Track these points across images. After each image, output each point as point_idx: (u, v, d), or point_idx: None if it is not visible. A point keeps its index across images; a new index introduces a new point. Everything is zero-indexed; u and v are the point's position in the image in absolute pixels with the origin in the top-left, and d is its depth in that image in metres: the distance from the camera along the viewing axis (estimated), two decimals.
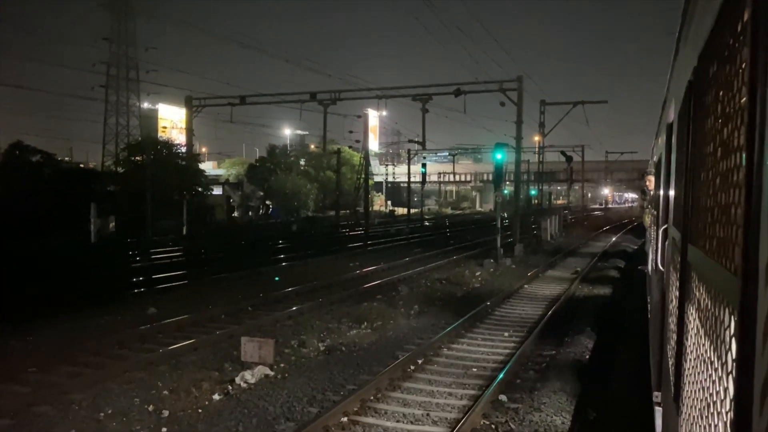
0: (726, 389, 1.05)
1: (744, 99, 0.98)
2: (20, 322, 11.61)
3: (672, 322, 2.54)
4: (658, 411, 4.19)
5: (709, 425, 1.23)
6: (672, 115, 3.60)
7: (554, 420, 7.39)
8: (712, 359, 1.26)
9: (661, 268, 4.19)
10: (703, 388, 1.35)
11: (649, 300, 8.91)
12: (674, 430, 1.94)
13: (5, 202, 30.71)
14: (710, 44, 1.43)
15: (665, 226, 4.18)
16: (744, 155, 0.93)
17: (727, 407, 1.03)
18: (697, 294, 1.60)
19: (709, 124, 1.51)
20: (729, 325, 1.07)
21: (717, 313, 1.23)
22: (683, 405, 1.76)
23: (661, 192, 4.80)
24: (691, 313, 1.72)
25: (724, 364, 1.08)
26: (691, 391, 1.58)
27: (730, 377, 1.02)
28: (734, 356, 0.98)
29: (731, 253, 1.08)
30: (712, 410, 1.22)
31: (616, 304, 15.44)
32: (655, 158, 7.31)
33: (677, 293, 2.22)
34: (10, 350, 10.07)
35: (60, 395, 7.88)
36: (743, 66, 0.99)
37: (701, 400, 1.39)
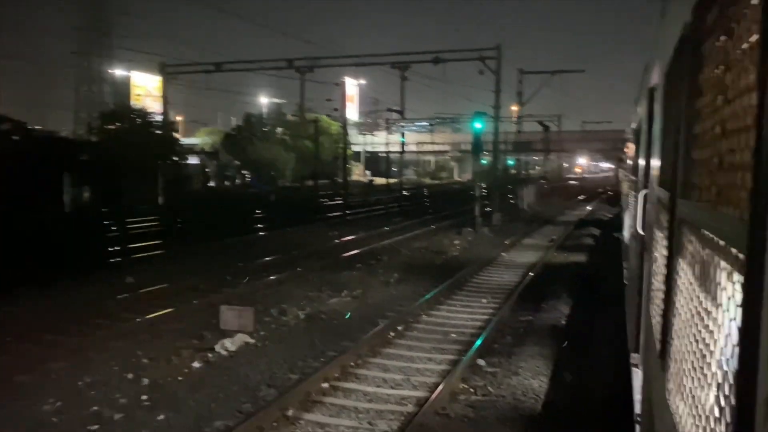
0: (728, 336, 1.06)
1: (754, 37, 0.97)
2: None
3: (658, 281, 2.58)
4: (636, 372, 4.29)
5: (705, 375, 1.25)
6: (655, 77, 3.61)
7: (531, 383, 7.54)
8: (709, 309, 1.27)
9: (641, 232, 4.24)
10: (697, 340, 1.37)
11: (625, 266, 9.05)
12: (660, 385, 1.97)
13: None
14: None
15: (646, 191, 4.22)
16: (756, 95, 0.92)
17: (729, 354, 1.04)
18: (690, 247, 1.61)
19: (707, 73, 1.51)
20: (731, 271, 1.07)
21: (715, 261, 1.23)
22: (671, 360, 1.78)
23: (642, 156, 4.84)
24: (682, 268, 1.73)
25: (726, 311, 1.09)
26: (681, 345, 1.60)
27: (733, 323, 1.03)
28: (739, 301, 0.98)
29: (735, 199, 1.08)
30: (708, 359, 1.23)
31: (591, 270, 15.68)
32: (634, 125, 7.36)
33: (665, 252, 2.24)
34: None
35: (40, 364, 7.82)
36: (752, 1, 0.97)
37: (693, 352, 1.41)
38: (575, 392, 7.25)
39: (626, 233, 9.18)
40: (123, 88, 60.73)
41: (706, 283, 1.31)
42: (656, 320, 2.48)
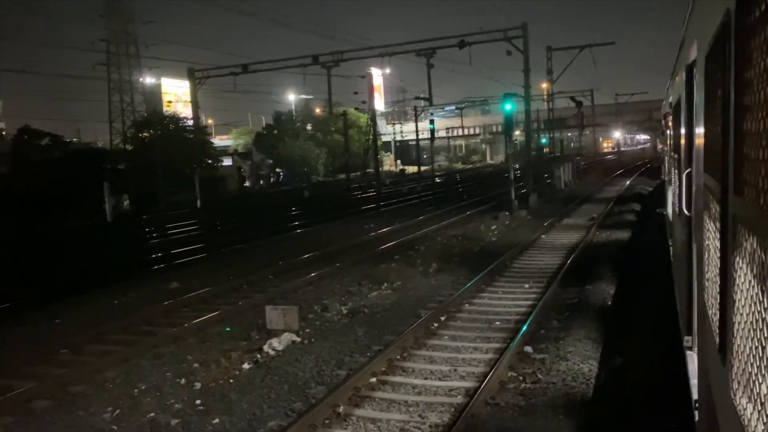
0: None
1: None
2: (46, 305, 11.80)
3: (712, 272, 2.50)
4: (690, 355, 4.19)
5: None
6: (693, 54, 3.49)
7: (581, 368, 7.45)
8: None
9: (686, 212, 4.13)
10: (764, 346, 1.32)
11: (670, 243, 8.85)
12: (721, 380, 1.92)
13: (19, 186, 30.96)
14: None
15: (689, 170, 4.10)
16: None
17: None
18: (748, 247, 1.55)
19: (756, 45, 1.41)
20: None
21: None
22: (735, 358, 1.73)
23: (683, 135, 4.70)
24: (740, 267, 1.67)
25: None
26: (746, 346, 1.55)
27: None
28: None
29: None
30: None
31: (635, 248, 15.40)
32: (672, 99, 7.15)
33: (718, 244, 2.17)
34: (40, 333, 10.27)
35: (94, 374, 8.04)
36: None
37: (760, 357, 1.36)
38: (627, 375, 7.13)
39: (670, 210, 8.97)
40: (154, 96, 61.73)
41: None
42: (712, 312, 2.41)
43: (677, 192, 5.19)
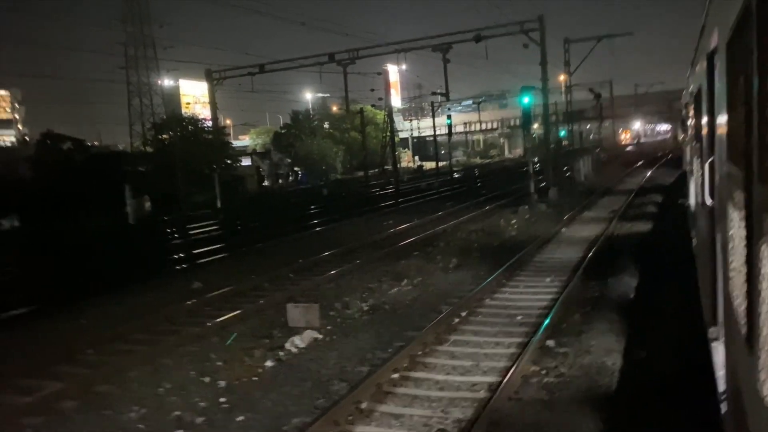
0: None
1: None
2: (71, 306, 11.96)
3: (736, 261, 2.47)
4: (716, 346, 4.14)
5: None
6: (714, 41, 3.44)
7: (605, 361, 7.40)
8: None
9: (709, 202, 4.07)
10: None
11: (693, 234, 8.74)
12: (749, 371, 1.90)
13: (41, 189, 31.47)
14: None
15: (711, 159, 4.05)
16: None
17: None
18: None
19: None
20: None
21: None
22: (762, 350, 1.71)
23: (705, 123, 4.63)
24: (767, 256, 1.65)
25: None
26: None
27: None
28: None
29: None
30: None
31: (657, 240, 15.22)
32: (692, 88, 7.05)
33: (743, 233, 2.14)
34: (65, 334, 10.40)
35: (119, 373, 8.14)
36: None
37: None
38: (651, 368, 7.05)
39: (692, 200, 8.85)
40: (173, 98, 62.31)
41: None
42: (738, 302, 2.38)
43: (700, 182, 5.12)
